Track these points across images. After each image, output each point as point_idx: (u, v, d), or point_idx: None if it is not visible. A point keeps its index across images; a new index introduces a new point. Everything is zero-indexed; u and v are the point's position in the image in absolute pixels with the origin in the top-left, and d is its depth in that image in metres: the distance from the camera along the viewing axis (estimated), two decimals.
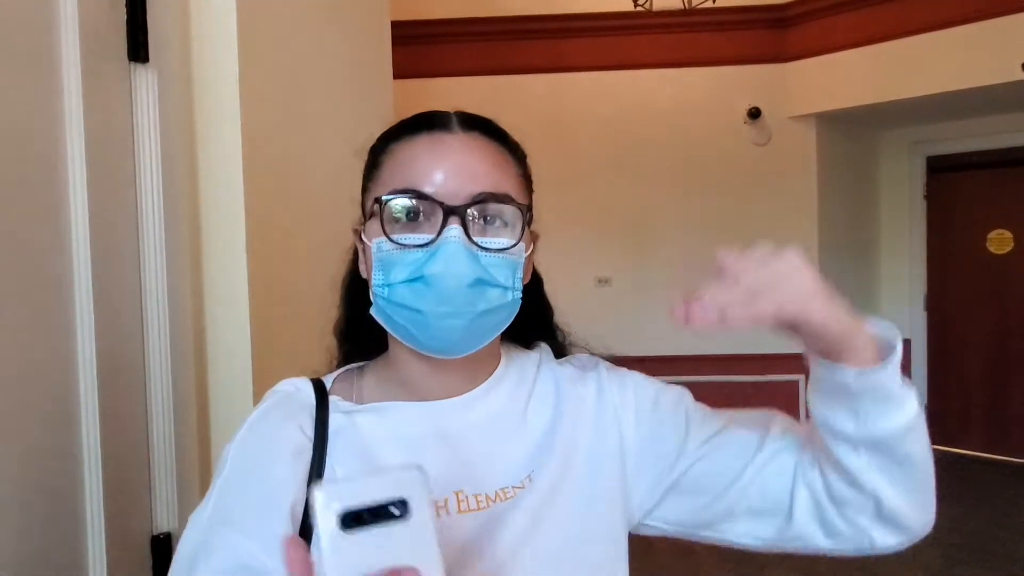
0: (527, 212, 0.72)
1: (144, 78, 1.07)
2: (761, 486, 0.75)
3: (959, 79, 4.09)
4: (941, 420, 5.36)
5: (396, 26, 2.13)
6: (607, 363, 0.85)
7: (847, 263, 5.19)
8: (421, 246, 0.68)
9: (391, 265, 0.69)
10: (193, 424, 1.16)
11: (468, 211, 0.68)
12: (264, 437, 0.72)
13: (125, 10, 1.04)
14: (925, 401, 5.42)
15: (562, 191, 4.57)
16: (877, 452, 0.69)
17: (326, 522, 0.47)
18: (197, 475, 1.16)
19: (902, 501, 0.71)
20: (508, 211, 0.70)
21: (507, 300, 0.71)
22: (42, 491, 0.89)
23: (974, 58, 4.00)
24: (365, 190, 0.76)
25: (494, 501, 0.71)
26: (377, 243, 0.70)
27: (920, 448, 0.71)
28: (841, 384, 0.66)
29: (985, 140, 5.02)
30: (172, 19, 1.13)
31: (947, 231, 5.30)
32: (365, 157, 0.78)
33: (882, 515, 0.72)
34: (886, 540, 0.74)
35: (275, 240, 1.35)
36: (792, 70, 4.75)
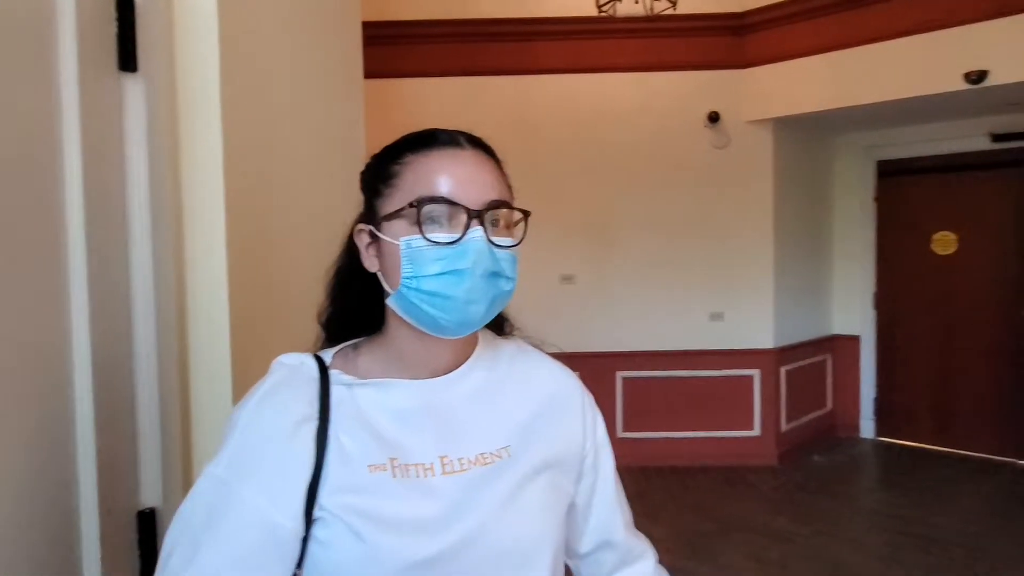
0: (527, 215, 0.84)
1: (133, 87, 1.12)
2: None
3: (908, 87, 4.21)
4: (889, 414, 5.55)
5: (367, 26, 2.14)
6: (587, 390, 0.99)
7: (801, 262, 5.30)
8: (449, 243, 0.77)
9: (422, 259, 0.78)
10: (176, 409, 1.20)
11: (486, 215, 0.79)
12: (278, 407, 0.79)
13: (116, 24, 1.11)
14: (875, 395, 5.60)
15: (528, 190, 4.55)
16: None
17: None
18: (179, 457, 1.22)
19: None
20: (513, 215, 0.83)
21: (510, 288, 0.82)
22: (41, 474, 0.93)
23: (921, 68, 4.12)
24: (378, 194, 0.83)
25: (474, 464, 0.82)
26: (406, 241, 0.78)
27: None
28: None
29: (931, 146, 5.18)
30: (158, 30, 1.18)
31: (895, 232, 5.44)
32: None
33: None
34: None
35: (253, 234, 1.39)
36: (750, 76, 4.83)
